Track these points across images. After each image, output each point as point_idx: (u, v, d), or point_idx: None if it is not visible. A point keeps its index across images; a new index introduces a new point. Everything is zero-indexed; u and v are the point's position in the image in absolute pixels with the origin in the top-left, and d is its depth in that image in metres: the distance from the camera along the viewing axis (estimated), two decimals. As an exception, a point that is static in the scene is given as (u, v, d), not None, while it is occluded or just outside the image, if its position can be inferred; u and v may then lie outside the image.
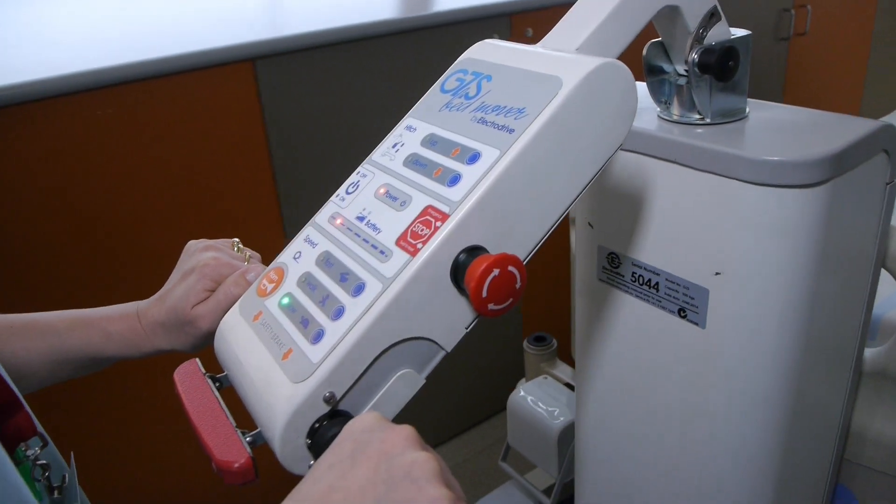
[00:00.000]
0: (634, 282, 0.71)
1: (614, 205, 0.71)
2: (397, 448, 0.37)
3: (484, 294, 0.44)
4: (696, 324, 0.66)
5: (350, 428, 0.40)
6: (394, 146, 0.54)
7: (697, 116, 0.64)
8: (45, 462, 0.50)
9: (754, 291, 0.63)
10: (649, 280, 0.69)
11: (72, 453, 0.56)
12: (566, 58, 0.50)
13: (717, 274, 0.63)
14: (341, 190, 0.55)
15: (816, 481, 0.80)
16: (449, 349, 0.48)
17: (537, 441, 1.12)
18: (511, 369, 2.00)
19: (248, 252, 0.62)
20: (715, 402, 0.69)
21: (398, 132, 0.55)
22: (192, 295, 0.57)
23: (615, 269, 0.72)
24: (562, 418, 1.09)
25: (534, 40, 1.66)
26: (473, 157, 0.47)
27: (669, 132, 0.64)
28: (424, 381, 0.48)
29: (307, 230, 0.54)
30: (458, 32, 1.58)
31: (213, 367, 0.55)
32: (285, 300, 0.50)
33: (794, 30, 2.40)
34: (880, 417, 0.79)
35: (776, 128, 0.63)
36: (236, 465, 0.44)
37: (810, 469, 0.78)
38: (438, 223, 0.45)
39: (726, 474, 0.73)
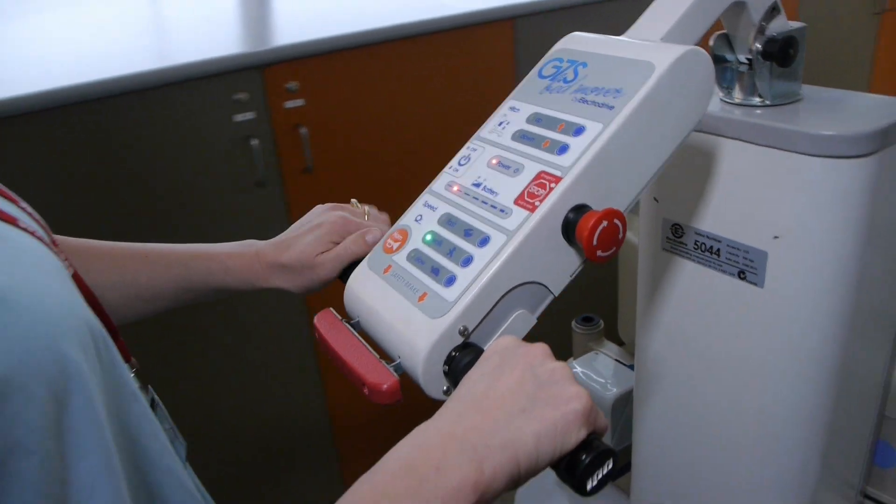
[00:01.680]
0: (697, 249, 0.79)
1: (679, 180, 0.79)
2: (538, 358, 0.45)
3: (595, 242, 0.52)
4: (755, 284, 0.74)
5: (494, 347, 0.48)
6: (500, 124, 0.63)
7: (758, 100, 0.72)
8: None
9: (809, 252, 0.70)
10: (711, 247, 0.77)
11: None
12: (655, 45, 0.58)
13: (775, 237, 0.71)
14: (453, 162, 0.63)
15: (861, 436, 0.87)
16: (557, 293, 0.56)
17: None
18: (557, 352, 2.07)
19: (366, 207, 0.71)
20: (772, 359, 0.77)
21: (502, 112, 0.64)
22: (320, 244, 0.65)
23: (678, 238, 0.80)
24: (614, 389, 1.17)
25: (300, 94, 1.42)
26: (579, 130, 0.56)
27: (731, 113, 0.72)
28: (536, 321, 0.57)
29: (424, 197, 0.63)
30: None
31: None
32: (413, 254, 0.59)
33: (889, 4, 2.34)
34: (920, 375, 0.86)
35: (829, 108, 0.71)
36: (385, 385, 0.52)
37: (856, 424, 0.85)
38: (553, 184, 0.54)
39: (781, 430, 0.80)
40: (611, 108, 0.55)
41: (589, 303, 2.06)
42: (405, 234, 0.61)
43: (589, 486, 0.42)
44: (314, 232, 0.67)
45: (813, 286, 0.71)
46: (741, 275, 0.75)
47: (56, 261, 0.43)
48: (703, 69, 0.56)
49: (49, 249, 0.43)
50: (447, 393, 0.53)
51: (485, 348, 0.53)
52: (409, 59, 1.54)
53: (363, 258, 0.63)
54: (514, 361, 0.45)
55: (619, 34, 0.63)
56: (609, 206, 0.55)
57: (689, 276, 0.81)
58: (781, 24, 0.68)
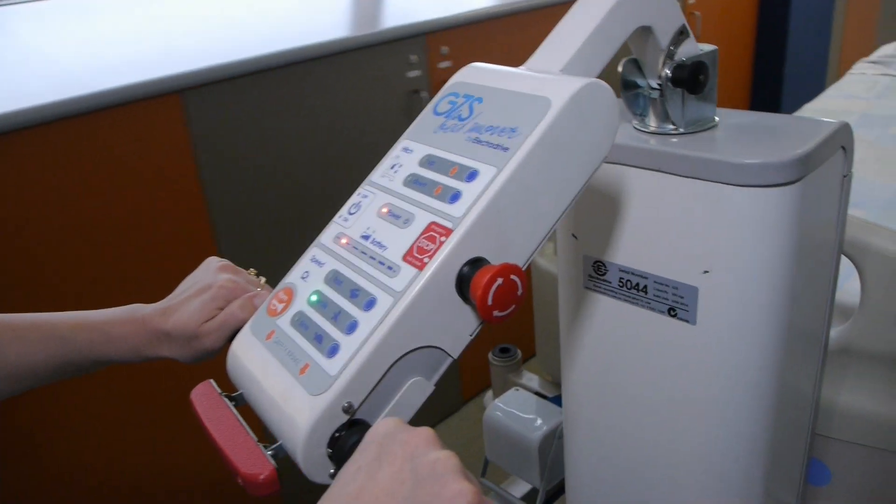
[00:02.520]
0: (622, 286, 0.74)
1: (597, 215, 0.74)
2: (420, 448, 0.39)
3: (489, 302, 0.46)
4: (687, 321, 0.70)
5: (373, 433, 0.42)
6: (392, 167, 0.57)
7: (672, 127, 0.68)
8: None
9: (741, 285, 0.66)
10: (637, 283, 0.73)
11: None
12: (552, 79, 0.53)
13: (705, 272, 0.67)
14: (343, 211, 0.58)
15: (796, 458, 0.83)
16: (455, 356, 0.50)
17: (518, 453, 1.13)
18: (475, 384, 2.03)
19: (263, 279, 0.65)
20: (707, 393, 0.72)
21: (395, 154, 0.58)
22: (205, 311, 0.59)
23: (601, 276, 0.76)
24: (539, 428, 1.12)
25: (449, 57, 1.81)
26: (472, 175, 0.50)
27: (647, 142, 0.68)
28: (434, 388, 0.51)
29: (313, 250, 0.57)
30: (376, 53, 1.69)
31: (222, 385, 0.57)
32: (297, 318, 0.53)
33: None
34: (846, 391, 0.83)
35: (747, 133, 0.67)
36: (261, 476, 0.46)
37: (791, 447, 0.81)
38: (443, 238, 0.48)
39: (721, 463, 0.76)
40: (505, 149, 0.50)
41: (505, 332, 2.04)
42: (290, 294, 0.55)
43: None
44: (200, 296, 0.61)
45: (747, 318, 0.67)
46: (671, 312, 0.71)
47: None
48: (606, 102, 0.52)
49: None
50: (334, 477, 0.47)
51: (373, 423, 0.48)
52: (526, 30, 1.98)
53: None
54: (392, 452, 0.39)
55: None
56: (507, 258, 0.49)
57: (616, 314, 0.76)
58: (690, 48, 0.64)
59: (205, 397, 0.53)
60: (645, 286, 0.72)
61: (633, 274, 0.72)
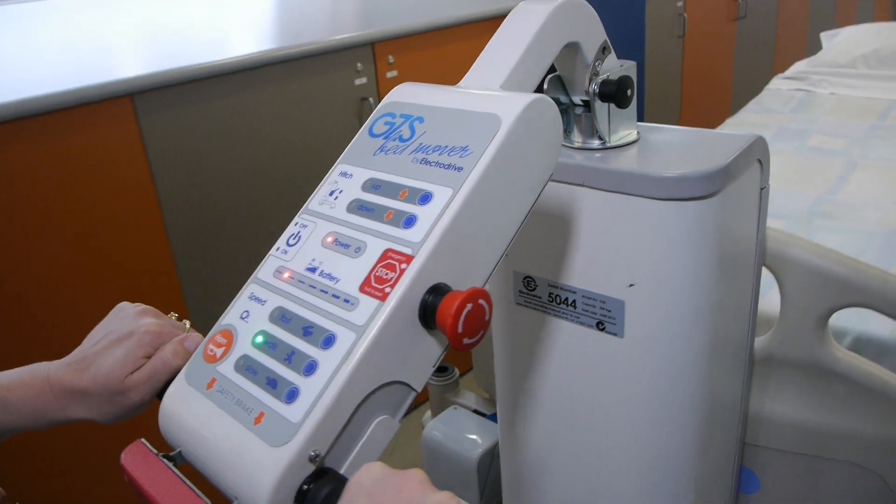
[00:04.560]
0: (552, 301, 0.74)
1: (527, 231, 0.73)
2: (417, 493, 0.37)
3: (460, 329, 0.44)
4: (615, 334, 0.71)
5: (358, 482, 0.39)
6: (331, 193, 0.54)
7: (598, 142, 0.69)
8: None
9: (666, 297, 0.68)
10: (566, 298, 0.73)
11: None
12: (497, 96, 0.52)
13: (630, 286, 0.68)
14: (280, 243, 0.54)
15: (727, 467, 0.87)
16: (419, 389, 0.48)
17: (457, 473, 1.12)
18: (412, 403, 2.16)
19: (188, 323, 0.58)
20: (637, 404, 0.74)
21: (332, 179, 0.55)
22: (130, 361, 0.53)
23: (531, 291, 0.75)
24: (477, 446, 1.10)
25: (395, 66, 1.90)
26: (425, 198, 0.48)
27: (573, 158, 0.68)
28: (399, 425, 0.48)
29: (250, 287, 0.53)
30: (324, 62, 1.76)
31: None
32: (242, 362, 0.48)
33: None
34: (770, 399, 0.87)
35: (668, 147, 0.69)
36: (222, 543, 0.41)
37: (721, 456, 0.84)
38: (403, 265, 0.46)
39: (651, 470, 0.78)
40: (459, 168, 0.48)
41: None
42: (230, 337, 0.50)
43: None
44: (122, 345, 0.54)
45: (673, 329, 0.69)
46: (600, 325, 0.71)
47: None
48: (551, 117, 0.52)
49: None
50: None
51: (341, 472, 0.44)
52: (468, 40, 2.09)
53: None
54: (386, 501, 0.36)
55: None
56: (468, 282, 0.48)
57: (547, 329, 0.76)
58: (612, 64, 0.65)
59: (139, 460, 0.48)
60: (574, 301, 0.72)
61: (561, 289, 0.73)
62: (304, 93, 1.73)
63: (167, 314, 0.59)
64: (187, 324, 0.59)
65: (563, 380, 0.78)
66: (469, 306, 0.44)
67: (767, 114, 2.12)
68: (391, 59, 1.89)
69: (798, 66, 2.47)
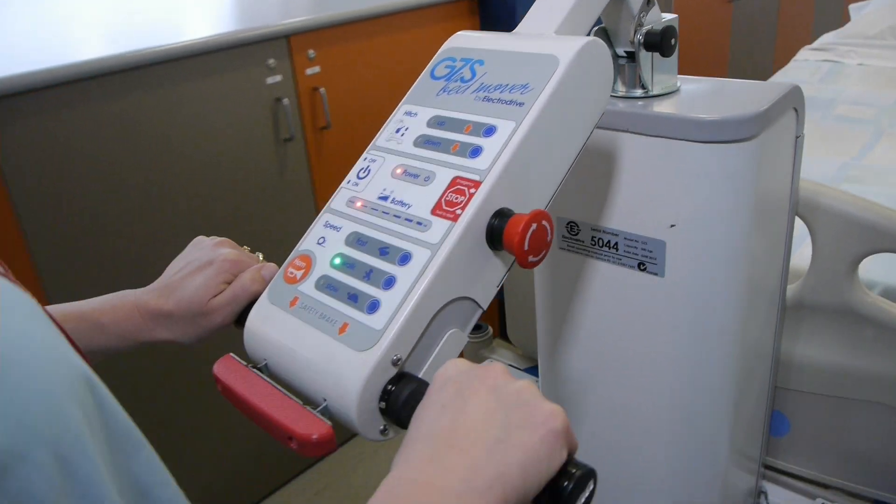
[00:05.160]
0: (594, 245, 0.78)
1: (570, 177, 0.78)
2: (499, 380, 0.41)
3: (526, 247, 0.48)
4: (656, 274, 0.74)
5: (444, 374, 0.43)
6: (397, 131, 0.58)
7: (640, 91, 0.72)
8: None
9: (705, 238, 0.71)
10: (609, 241, 0.76)
11: None
12: (553, 39, 0.56)
13: (671, 226, 0.71)
14: (351, 176, 0.58)
15: (759, 409, 0.90)
16: (485, 306, 0.52)
17: None
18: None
19: (260, 255, 0.63)
20: (677, 344, 0.77)
21: (398, 118, 0.59)
22: (212, 286, 0.58)
23: (574, 236, 0.79)
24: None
25: (317, 62, 1.70)
26: (489, 131, 0.52)
27: (616, 106, 0.72)
28: (467, 339, 0.52)
29: (325, 216, 0.57)
30: (226, 59, 1.52)
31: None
32: (323, 281, 0.52)
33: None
34: (802, 343, 0.91)
35: (708, 95, 0.73)
36: (315, 435, 0.46)
37: (754, 399, 0.88)
38: (472, 190, 0.50)
39: (690, 413, 0.81)
40: (520, 104, 0.52)
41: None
42: (308, 261, 0.54)
43: None
44: (203, 272, 0.59)
45: (712, 269, 0.72)
46: (641, 266, 0.75)
47: (30, 301, 0.37)
48: (604, 59, 0.55)
49: (16, 286, 0.37)
50: (384, 433, 0.48)
51: (419, 376, 0.48)
52: (393, 33, 1.87)
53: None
54: (473, 387, 0.40)
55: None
56: (530, 206, 0.52)
57: (589, 272, 0.80)
58: (656, 16, 0.68)
59: (230, 369, 0.52)
60: (616, 243, 0.76)
61: (604, 232, 0.76)
62: (203, 95, 1.50)
63: (241, 246, 0.64)
64: (260, 255, 0.64)
65: (605, 320, 0.82)
66: (534, 226, 0.48)
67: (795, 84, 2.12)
68: (312, 53, 1.66)
69: (826, 38, 2.46)
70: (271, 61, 1.59)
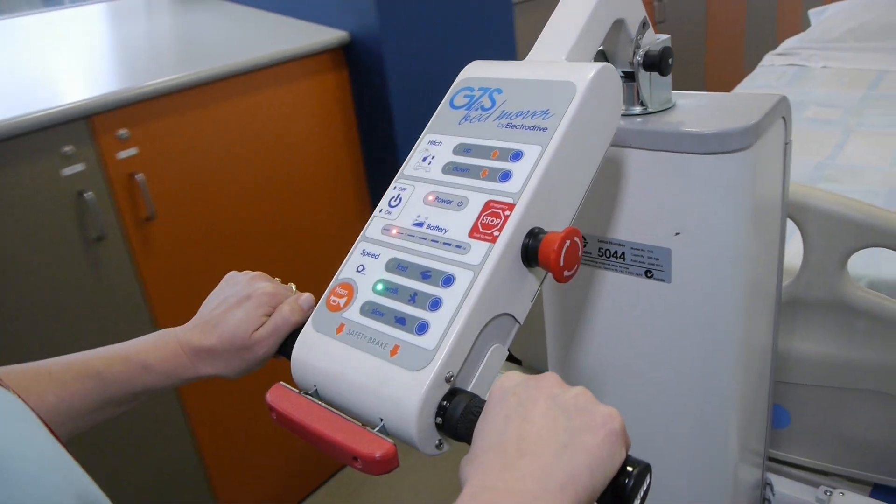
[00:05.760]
0: (601, 256, 0.81)
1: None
2: (556, 389, 0.44)
3: (562, 263, 0.51)
4: (663, 280, 0.78)
5: (501, 387, 0.45)
6: (424, 159, 0.61)
7: (639, 108, 0.76)
8: None
9: (709, 243, 0.75)
10: (616, 252, 0.80)
11: None
12: (567, 66, 0.59)
13: (676, 234, 0.75)
14: (382, 205, 0.60)
15: (761, 404, 0.94)
16: (522, 321, 0.55)
17: None
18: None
19: (293, 286, 0.65)
20: (686, 347, 0.81)
21: (422, 147, 0.62)
22: (253, 320, 0.60)
23: (582, 248, 0.82)
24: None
25: (132, 143, 1.40)
26: (517, 156, 0.55)
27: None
28: (507, 352, 0.55)
29: (360, 245, 0.59)
30: (18, 147, 1.25)
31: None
32: (368, 307, 0.55)
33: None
34: (798, 338, 0.95)
35: (703, 109, 0.77)
36: (378, 454, 0.48)
37: (757, 394, 0.92)
38: (507, 212, 0.52)
39: (694, 411, 0.85)
40: (543, 129, 0.55)
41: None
42: (350, 288, 0.56)
43: None
44: (243, 306, 0.61)
45: (716, 273, 0.76)
46: (648, 273, 0.78)
47: (17, 402, 0.38)
48: (615, 83, 0.59)
49: (4, 389, 0.38)
50: (440, 447, 0.50)
51: (468, 389, 0.51)
52: (237, 97, 1.61)
53: (302, 327, 0.58)
54: (532, 397, 0.43)
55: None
56: (558, 224, 0.55)
57: (598, 282, 0.83)
58: (651, 38, 0.72)
59: (283, 397, 0.54)
60: (623, 253, 0.79)
61: (611, 243, 0.80)
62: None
63: (273, 277, 0.66)
64: (293, 286, 0.66)
65: (614, 328, 0.85)
66: (568, 243, 0.51)
67: (763, 89, 2.20)
68: (124, 133, 1.36)
69: (789, 43, 2.56)
70: (68, 148, 1.28)
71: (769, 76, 2.30)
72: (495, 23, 1.95)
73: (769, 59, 2.46)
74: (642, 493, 0.42)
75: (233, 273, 0.66)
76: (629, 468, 0.42)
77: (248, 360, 0.61)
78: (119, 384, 0.59)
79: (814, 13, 2.76)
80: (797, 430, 1.01)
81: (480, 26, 1.91)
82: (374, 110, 1.77)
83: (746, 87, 2.25)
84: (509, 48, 2.01)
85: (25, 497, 0.31)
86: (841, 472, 1.03)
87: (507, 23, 1.99)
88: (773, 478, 1.05)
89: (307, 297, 0.62)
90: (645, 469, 0.42)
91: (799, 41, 2.54)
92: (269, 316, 0.61)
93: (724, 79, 3.55)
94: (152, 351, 0.61)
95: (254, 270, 0.66)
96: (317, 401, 0.54)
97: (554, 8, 0.65)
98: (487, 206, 0.54)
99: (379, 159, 1.84)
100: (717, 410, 0.85)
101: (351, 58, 1.76)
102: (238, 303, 0.61)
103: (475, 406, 0.48)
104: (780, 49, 2.51)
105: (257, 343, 0.60)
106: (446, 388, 0.49)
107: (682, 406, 0.85)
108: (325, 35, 1.72)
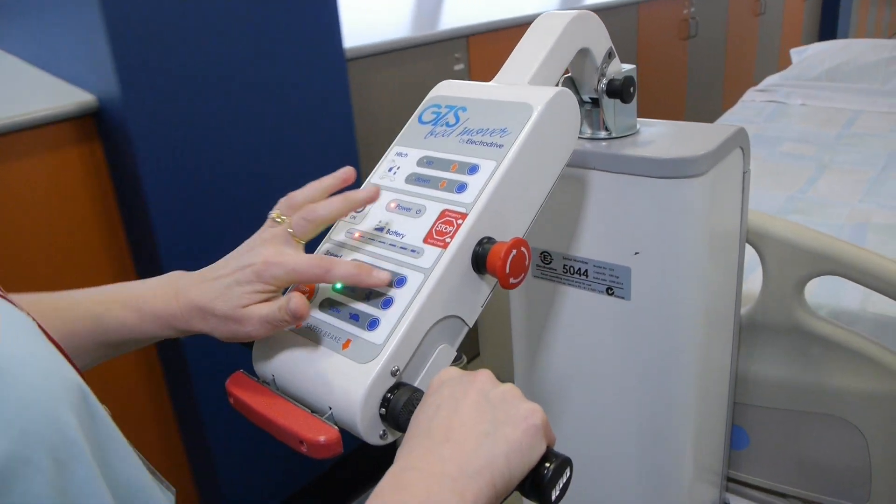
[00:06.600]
0: (566, 272, 0.84)
1: (544, 210, 0.84)
2: (487, 384, 0.46)
3: (507, 270, 0.54)
4: (623, 297, 0.80)
5: (439, 380, 0.48)
6: (390, 169, 0.64)
7: (604, 133, 0.79)
8: None
9: (666, 263, 0.77)
10: (579, 269, 0.83)
11: None
12: (528, 89, 0.62)
13: (636, 253, 0.78)
14: None
15: (719, 424, 0.96)
16: (471, 324, 0.58)
17: None
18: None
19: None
20: (644, 363, 0.83)
21: (390, 158, 0.65)
22: (244, 296, 0.54)
23: (548, 264, 0.85)
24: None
25: None
26: (473, 169, 0.58)
27: (583, 146, 0.79)
28: (455, 353, 0.57)
29: (324, 247, 0.62)
30: None
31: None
32: (327, 304, 0.57)
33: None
34: (757, 361, 0.97)
35: (664, 136, 0.80)
36: (323, 438, 0.50)
37: (715, 414, 0.94)
38: (459, 221, 0.55)
39: (653, 426, 0.87)
40: (500, 146, 0.58)
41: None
42: (311, 286, 0.59)
43: (553, 496, 0.43)
44: (236, 275, 0.55)
45: (673, 292, 0.78)
46: (609, 291, 0.81)
47: (26, 318, 0.40)
48: (572, 106, 0.62)
49: (12, 305, 0.40)
50: (384, 437, 0.52)
51: (415, 385, 0.53)
52: None
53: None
54: (464, 390, 0.45)
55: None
56: (510, 235, 0.57)
57: (561, 297, 0.86)
58: (616, 67, 0.75)
59: (242, 384, 0.57)
60: (586, 270, 0.82)
61: (575, 260, 0.82)
62: None
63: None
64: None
65: (576, 342, 0.88)
66: (514, 252, 0.54)
67: (740, 124, 2.24)
68: None
69: (770, 80, 2.61)
70: None
71: (749, 111, 2.35)
72: (315, 83, 1.51)
73: (750, 94, 2.51)
74: (561, 485, 0.44)
75: (264, 228, 0.58)
76: (549, 461, 0.45)
77: (235, 331, 0.56)
78: (117, 329, 0.58)
79: (795, 52, 2.81)
80: (756, 451, 1.03)
81: (275, 88, 1.43)
82: (128, 193, 1.35)
83: (726, 120, 2.30)
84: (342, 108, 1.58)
85: (26, 397, 0.34)
86: (798, 495, 1.04)
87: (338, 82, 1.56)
88: (732, 498, 1.07)
89: (298, 301, 0.53)
90: (564, 462, 0.45)
91: (780, 78, 2.59)
92: (261, 293, 0.54)
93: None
94: (150, 298, 0.57)
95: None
96: (272, 388, 0.57)
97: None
98: (443, 214, 0.57)
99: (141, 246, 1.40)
100: (673, 427, 0.87)
101: (103, 128, 1.32)
102: (232, 271, 0.55)
103: (416, 399, 0.50)
104: (761, 85, 2.56)
105: (246, 319, 0.54)
106: (392, 381, 0.52)
107: (638, 420, 0.87)
108: (70, 98, 1.30)
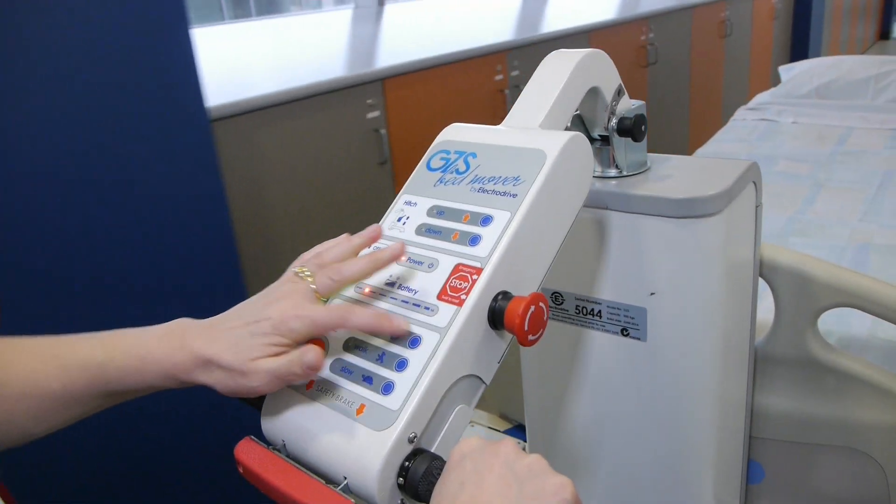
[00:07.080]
0: (579, 313, 0.81)
1: (554, 250, 0.81)
2: (511, 456, 0.43)
3: (526, 328, 0.51)
4: (639, 339, 0.77)
5: (460, 451, 0.45)
6: (399, 220, 0.61)
7: (615, 171, 0.77)
8: None
9: (683, 303, 0.75)
10: (592, 309, 0.80)
11: None
12: (539, 133, 0.60)
13: (651, 294, 0.75)
14: None
15: (735, 459, 0.93)
16: (488, 382, 0.55)
17: None
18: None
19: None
20: (661, 405, 0.80)
21: (398, 207, 0.62)
22: (254, 348, 0.51)
23: (559, 305, 0.82)
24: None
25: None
26: (486, 220, 0.55)
27: (594, 186, 0.76)
28: (473, 412, 0.54)
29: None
30: None
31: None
32: (338, 365, 0.54)
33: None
34: (771, 394, 0.94)
35: (677, 173, 0.77)
36: (340, 513, 0.47)
37: (732, 450, 0.91)
38: (475, 276, 0.52)
39: (672, 466, 0.84)
40: (513, 195, 0.55)
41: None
42: (322, 345, 0.56)
43: None
44: (248, 328, 0.52)
45: (690, 332, 0.76)
46: (624, 332, 0.78)
47: None
48: (585, 151, 0.59)
49: None
50: None
51: (432, 449, 0.50)
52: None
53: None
54: (488, 463, 0.43)
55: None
56: (525, 287, 0.55)
57: (574, 339, 0.83)
58: (626, 104, 0.73)
59: (251, 451, 0.53)
60: (599, 311, 0.79)
61: (588, 301, 0.79)
62: None
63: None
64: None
65: (591, 384, 0.85)
66: (533, 308, 0.51)
67: (734, 143, 2.23)
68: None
69: (760, 98, 2.60)
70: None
71: (741, 130, 2.33)
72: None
73: (741, 113, 2.50)
74: None
75: (281, 281, 0.57)
76: None
77: (240, 385, 0.52)
78: (119, 378, 0.54)
79: (784, 69, 2.81)
80: (771, 484, 1.00)
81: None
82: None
83: (719, 140, 2.29)
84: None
85: None
86: (815, 528, 1.01)
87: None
88: (749, 532, 1.04)
89: (310, 356, 0.51)
90: None
91: (770, 97, 2.58)
92: (275, 346, 0.52)
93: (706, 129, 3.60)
94: (154, 346, 0.54)
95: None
96: (283, 456, 0.53)
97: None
98: (457, 269, 0.54)
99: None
100: (693, 466, 0.84)
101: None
102: (246, 323, 0.53)
103: (436, 468, 0.47)
104: (751, 104, 2.55)
105: (253, 373, 0.51)
106: (409, 448, 0.49)
107: (657, 462, 0.84)
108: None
